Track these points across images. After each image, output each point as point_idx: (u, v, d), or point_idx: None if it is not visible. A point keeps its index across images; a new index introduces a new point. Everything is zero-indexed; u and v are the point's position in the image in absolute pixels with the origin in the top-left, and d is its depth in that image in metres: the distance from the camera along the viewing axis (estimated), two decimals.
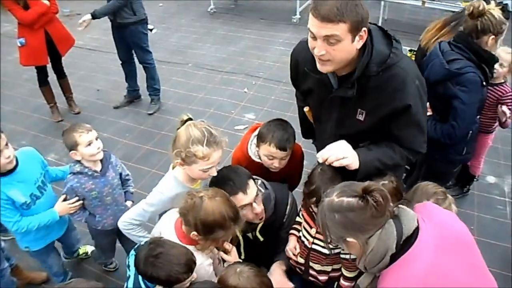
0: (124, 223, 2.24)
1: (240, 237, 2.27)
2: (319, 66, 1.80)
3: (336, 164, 1.81)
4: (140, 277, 1.88)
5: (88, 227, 2.77)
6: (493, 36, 2.52)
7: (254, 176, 2.21)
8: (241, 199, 2.03)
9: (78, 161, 2.51)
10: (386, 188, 2.05)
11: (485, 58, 2.50)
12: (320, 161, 1.81)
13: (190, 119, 2.08)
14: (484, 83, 2.52)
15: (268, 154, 2.32)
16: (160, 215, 2.24)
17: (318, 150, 2.38)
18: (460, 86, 2.46)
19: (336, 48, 1.69)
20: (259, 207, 2.11)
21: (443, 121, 2.55)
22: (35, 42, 4.34)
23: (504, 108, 3.08)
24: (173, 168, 2.22)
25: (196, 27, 7.52)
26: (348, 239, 1.57)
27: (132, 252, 1.99)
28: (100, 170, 2.54)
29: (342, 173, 2.00)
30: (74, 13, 8.05)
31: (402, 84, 1.81)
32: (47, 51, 4.45)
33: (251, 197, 2.05)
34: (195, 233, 1.89)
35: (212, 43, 6.83)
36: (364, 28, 1.69)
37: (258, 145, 2.38)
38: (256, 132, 2.45)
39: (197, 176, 2.12)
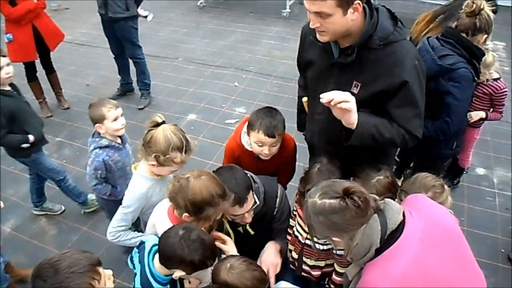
0: (110, 234, 2.29)
1: (231, 231, 2.27)
2: (318, 36, 1.86)
3: (342, 106, 1.75)
4: (149, 272, 1.87)
5: (102, 202, 2.85)
6: (486, 35, 2.56)
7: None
8: (236, 210, 2.04)
9: (99, 135, 2.64)
10: (381, 184, 2.10)
11: (476, 54, 2.51)
12: (324, 101, 1.75)
13: (163, 122, 2.14)
14: (475, 78, 2.54)
15: (258, 141, 2.34)
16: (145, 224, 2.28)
17: (307, 137, 2.42)
18: (453, 82, 2.47)
19: (328, 21, 1.76)
20: (249, 217, 2.13)
21: (434, 118, 2.55)
22: (23, 38, 4.29)
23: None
24: (135, 168, 2.30)
25: (186, 21, 7.48)
26: (333, 238, 1.60)
27: (135, 250, 1.99)
28: (121, 143, 2.69)
29: (340, 162, 2.03)
30: (62, 8, 7.97)
31: (402, 60, 1.85)
32: (36, 46, 4.41)
33: (246, 210, 2.06)
34: (186, 214, 1.90)
35: (202, 37, 6.81)
36: (357, 1, 1.72)
37: (248, 133, 2.40)
38: None
39: (165, 174, 2.23)
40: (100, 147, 2.59)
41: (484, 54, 2.57)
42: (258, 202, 2.14)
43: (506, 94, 3.15)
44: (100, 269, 1.46)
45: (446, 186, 2.07)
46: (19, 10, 4.11)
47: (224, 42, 6.59)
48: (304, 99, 2.31)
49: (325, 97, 1.76)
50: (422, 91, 1.94)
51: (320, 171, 2.07)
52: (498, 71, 3.15)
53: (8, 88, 2.92)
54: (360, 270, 1.66)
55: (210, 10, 7.89)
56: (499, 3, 3.52)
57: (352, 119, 1.83)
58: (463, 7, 2.54)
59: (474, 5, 2.47)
